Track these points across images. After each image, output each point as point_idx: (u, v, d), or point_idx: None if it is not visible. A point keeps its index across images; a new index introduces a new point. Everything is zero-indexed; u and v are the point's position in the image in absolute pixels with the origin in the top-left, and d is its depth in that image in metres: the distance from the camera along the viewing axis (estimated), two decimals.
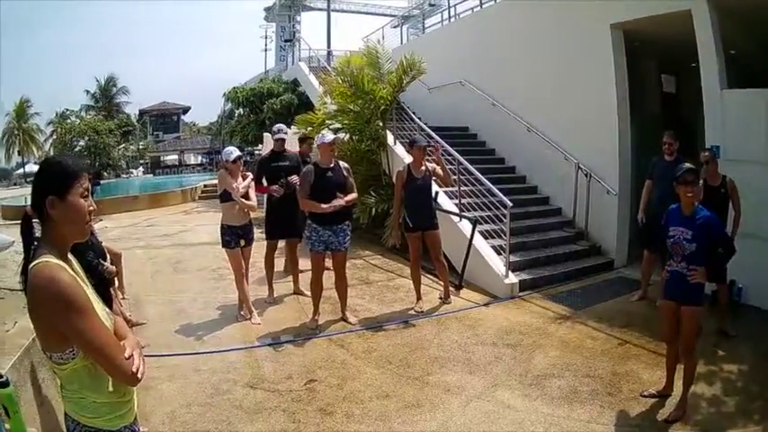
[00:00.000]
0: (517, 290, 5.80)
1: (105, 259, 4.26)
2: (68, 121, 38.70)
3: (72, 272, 1.54)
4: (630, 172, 6.86)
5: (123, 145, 36.28)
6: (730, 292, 4.95)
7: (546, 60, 7.89)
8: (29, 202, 1.61)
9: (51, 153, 44.62)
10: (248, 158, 13.47)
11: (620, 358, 4.17)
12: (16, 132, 46.16)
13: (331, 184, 4.84)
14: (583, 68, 7.22)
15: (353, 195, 4.99)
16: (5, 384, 2.17)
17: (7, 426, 2.15)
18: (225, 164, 5.25)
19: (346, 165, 5.12)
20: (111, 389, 1.59)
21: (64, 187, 1.54)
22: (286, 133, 6.00)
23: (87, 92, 45.65)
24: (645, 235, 5.44)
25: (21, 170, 47.15)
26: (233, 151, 5.30)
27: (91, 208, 1.60)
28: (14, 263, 4.94)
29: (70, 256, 1.65)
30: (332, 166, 4.93)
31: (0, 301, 4.43)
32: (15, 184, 41.11)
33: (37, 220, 1.62)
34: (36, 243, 1.57)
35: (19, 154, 47.21)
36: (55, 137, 40.90)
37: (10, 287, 4.73)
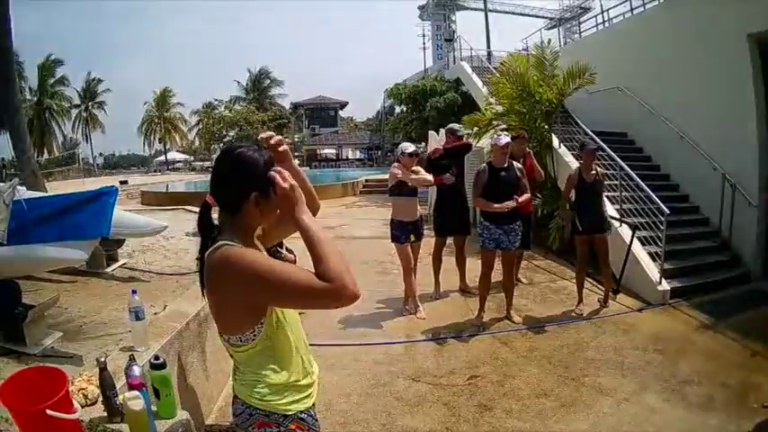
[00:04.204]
0: (668, 297, 6.07)
1: (282, 247, 4.16)
2: (216, 111, 38.99)
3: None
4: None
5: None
6: None
7: (692, 69, 7.94)
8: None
9: (197, 143, 46.21)
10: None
11: (750, 369, 4.35)
12: (156, 121, 46.61)
13: (504, 184, 5.02)
14: (723, 77, 7.25)
15: (527, 196, 5.14)
16: (162, 366, 2.18)
17: (154, 408, 2.17)
18: (399, 157, 5.35)
19: (520, 165, 5.24)
20: (293, 370, 1.55)
21: (270, 185, 1.45)
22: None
23: (238, 82, 45.83)
24: None
25: (161, 158, 47.57)
26: (409, 146, 5.37)
27: None
28: (162, 248, 6.46)
29: (257, 242, 1.61)
30: (506, 166, 5.08)
31: (146, 284, 4.59)
32: (155, 171, 41.26)
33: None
34: (217, 232, 1.49)
35: (159, 142, 47.78)
36: (201, 127, 41.40)
37: (157, 271, 5.11)
